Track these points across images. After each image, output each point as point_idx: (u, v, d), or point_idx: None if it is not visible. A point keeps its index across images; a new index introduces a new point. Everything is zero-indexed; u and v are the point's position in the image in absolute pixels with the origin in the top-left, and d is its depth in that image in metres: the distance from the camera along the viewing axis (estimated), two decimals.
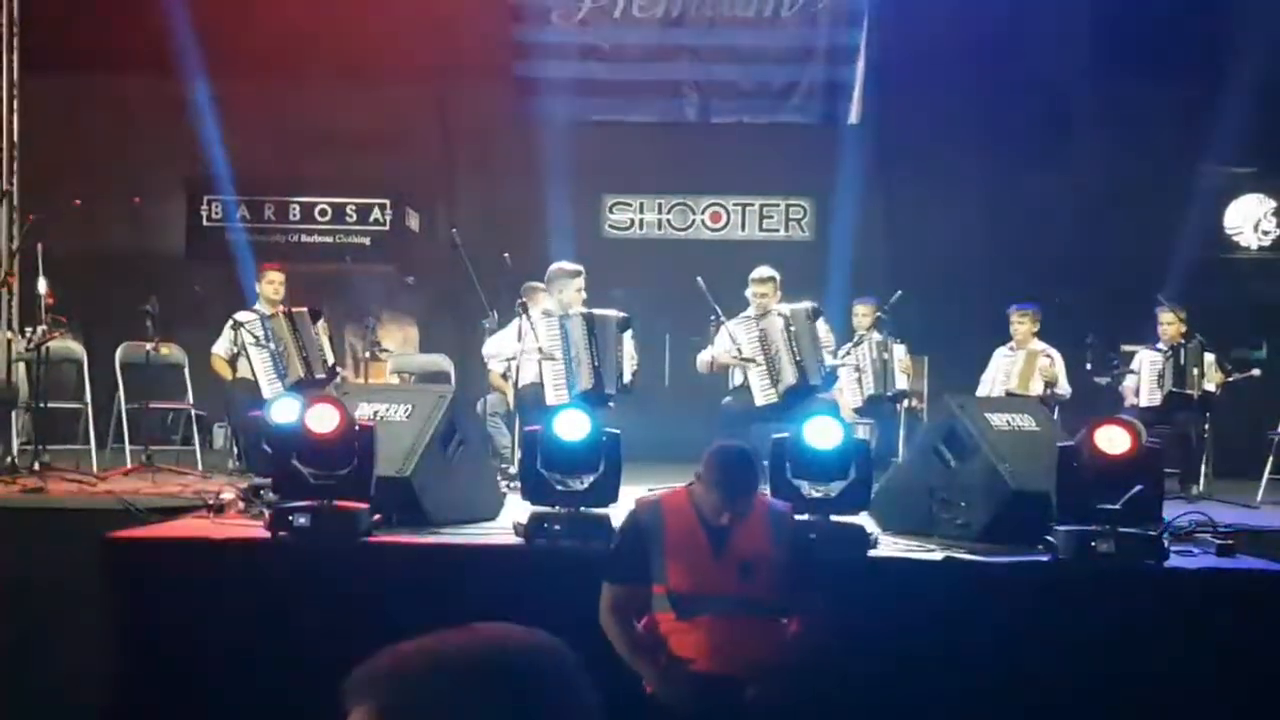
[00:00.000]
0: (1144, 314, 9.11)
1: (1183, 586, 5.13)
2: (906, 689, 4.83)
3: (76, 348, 9.05)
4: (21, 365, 8.68)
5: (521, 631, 1.17)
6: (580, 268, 8.08)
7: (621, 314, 8.08)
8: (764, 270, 8.19)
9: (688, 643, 3.95)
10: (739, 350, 7.99)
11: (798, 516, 4.66)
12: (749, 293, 8.16)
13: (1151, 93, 11.15)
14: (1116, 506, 4.99)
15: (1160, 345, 8.84)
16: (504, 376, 8.42)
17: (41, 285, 8.29)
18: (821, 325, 8.16)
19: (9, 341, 8.64)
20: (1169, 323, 8.81)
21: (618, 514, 5.30)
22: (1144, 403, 8.72)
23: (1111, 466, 5.02)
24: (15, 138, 9.76)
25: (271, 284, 8.54)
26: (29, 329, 8.68)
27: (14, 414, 8.34)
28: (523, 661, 1.13)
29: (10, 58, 9.75)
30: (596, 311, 8.01)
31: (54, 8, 10.07)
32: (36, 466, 7.46)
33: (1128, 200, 11.10)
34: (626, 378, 8.00)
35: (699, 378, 8.23)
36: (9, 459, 7.78)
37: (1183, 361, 8.64)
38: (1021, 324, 9.12)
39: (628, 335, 8.05)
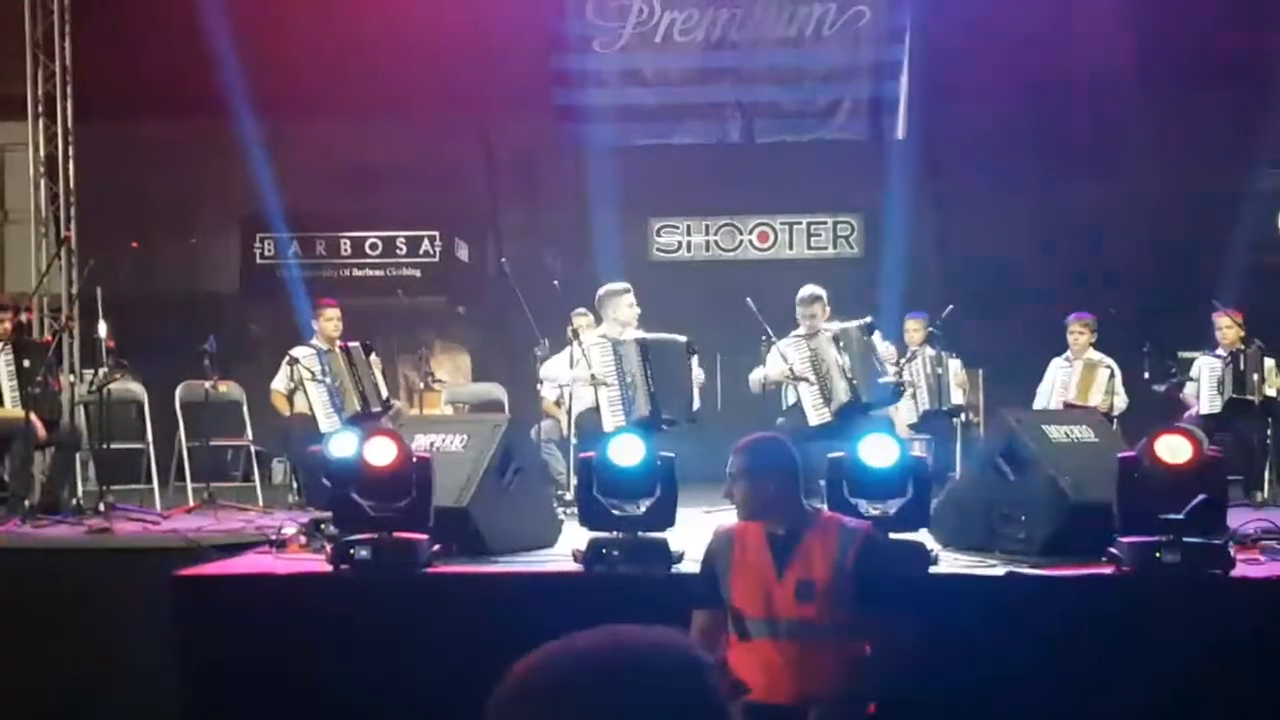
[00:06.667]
0: (1200, 320, 9.00)
1: (1251, 595, 5.06)
2: (973, 706, 4.79)
3: (137, 388, 9.18)
4: (82, 408, 8.83)
5: (656, 634, 1.18)
6: (627, 285, 8.10)
7: (685, 339, 8.06)
8: (808, 290, 8.17)
9: (745, 666, 3.82)
10: (791, 369, 7.96)
11: None
12: (798, 314, 8.15)
13: (1201, 96, 11.05)
14: (1180, 516, 4.93)
15: (1219, 351, 8.74)
16: (556, 403, 8.46)
17: (102, 329, 8.42)
18: (878, 339, 8.13)
19: (71, 385, 8.79)
20: (1226, 327, 8.71)
21: (675, 538, 5.32)
22: (1204, 410, 8.60)
23: (1173, 476, 4.95)
24: (72, 184, 9.98)
25: (330, 320, 8.63)
26: (88, 371, 8.82)
27: (77, 456, 8.47)
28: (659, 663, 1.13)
29: (65, 105, 9.98)
30: (652, 336, 8.00)
31: (104, 54, 10.27)
32: (102, 507, 7.57)
33: (1180, 205, 10.98)
34: (695, 404, 7.97)
35: (751, 400, 8.21)
36: (75, 501, 7.91)
37: (1242, 367, 8.53)
38: (1081, 335, 8.99)
39: (695, 360, 8.04)
